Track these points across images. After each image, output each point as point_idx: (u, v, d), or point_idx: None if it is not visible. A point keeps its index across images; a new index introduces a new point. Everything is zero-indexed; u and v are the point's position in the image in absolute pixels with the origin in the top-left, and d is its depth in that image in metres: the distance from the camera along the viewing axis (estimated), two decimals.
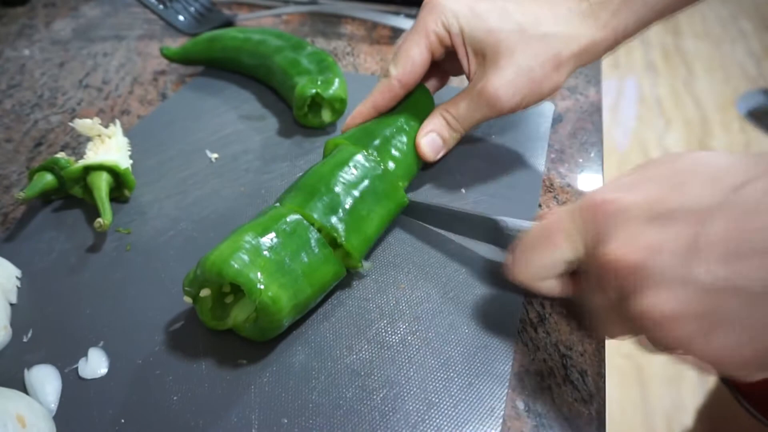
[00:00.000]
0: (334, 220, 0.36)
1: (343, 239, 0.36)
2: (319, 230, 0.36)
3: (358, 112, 0.46)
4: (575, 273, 0.31)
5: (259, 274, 0.32)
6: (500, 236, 0.37)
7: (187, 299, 0.34)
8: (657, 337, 0.25)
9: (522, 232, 0.34)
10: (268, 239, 0.33)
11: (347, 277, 0.39)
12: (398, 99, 0.46)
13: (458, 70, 0.50)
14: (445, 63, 0.48)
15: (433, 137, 0.45)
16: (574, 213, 0.29)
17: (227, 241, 0.33)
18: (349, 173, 0.39)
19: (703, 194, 0.24)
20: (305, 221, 0.35)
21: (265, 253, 0.33)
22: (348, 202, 0.37)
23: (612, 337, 0.30)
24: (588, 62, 0.44)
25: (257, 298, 0.31)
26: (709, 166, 0.25)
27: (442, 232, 0.42)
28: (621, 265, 0.25)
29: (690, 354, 0.24)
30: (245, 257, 0.32)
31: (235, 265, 0.31)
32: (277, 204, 0.37)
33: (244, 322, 0.34)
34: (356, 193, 0.38)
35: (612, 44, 0.43)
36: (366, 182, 0.39)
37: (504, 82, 0.41)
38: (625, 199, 0.26)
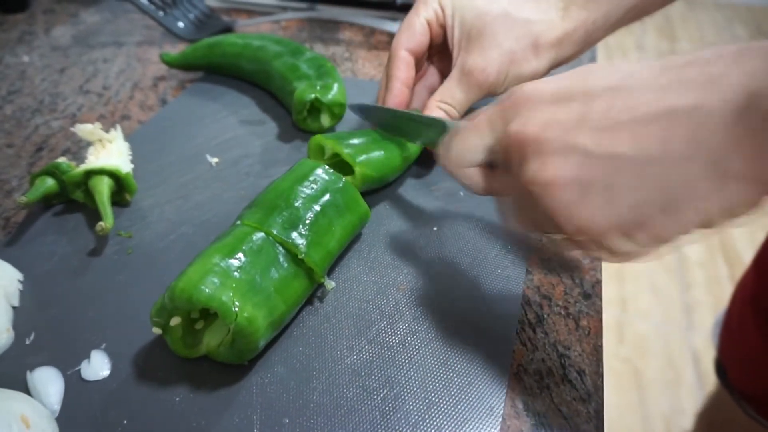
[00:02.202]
0: (294, 235, 0.35)
1: (304, 254, 0.35)
2: (283, 245, 0.35)
3: (397, 94, 0.48)
4: (494, 168, 0.33)
5: (231, 295, 0.31)
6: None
7: (156, 330, 0.33)
8: (542, 205, 0.27)
9: None
10: (237, 259, 0.33)
11: (346, 279, 0.39)
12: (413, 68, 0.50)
13: (444, 68, 0.53)
14: (432, 57, 0.52)
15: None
16: (498, 104, 0.31)
17: (194, 265, 0.32)
18: (309, 187, 0.38)
19: (600, 80, 0.27)
20: (270, 237, 0.35)
21: (235, 273, 0.32)
22: (308, 217, 0.37)
23: (517, 226, 0.32)
24: (565, 57, 0.47)
25: (232, 321, 0.31)
26: (619, 66, 0.28)
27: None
28: (519, 138, 0.28)
29: (568, 221, 0.27)
30: (215, 280, 0.31)
31: (206, 290, 0.30)
32: (238, 222, 0.36)
33: (218, 346, 0.33)
34: (317, 207, 0.37)
35: (583, 38, 0.46)
36: (326, 196, 0.38)
37: (489, 62, 0.45)
38: (538, 87, 0.29)
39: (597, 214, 0.26)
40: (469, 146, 0.32)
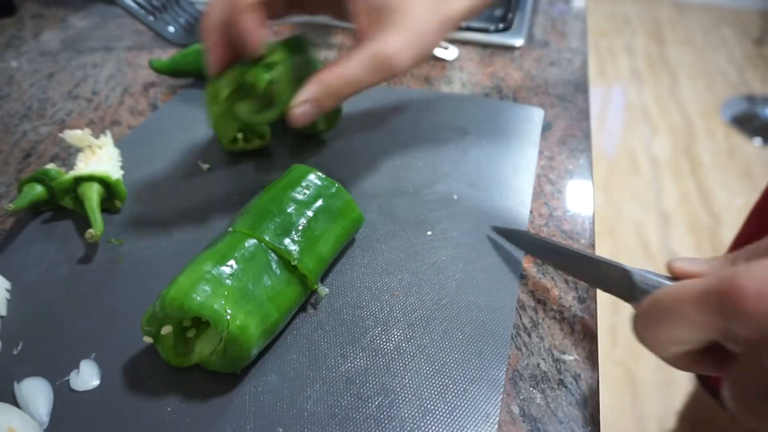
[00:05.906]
0: (286, 241, 0.35)
1: (296, 261, 0.35)
2: (275, 252, 0.35)
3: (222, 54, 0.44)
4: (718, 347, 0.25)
5: (223, 303, 0.31)
6: (632, 289, 0.32)
7: (147, 339, 0.32)
8: None
9: (654, 290, 0.28)
10: (228, 267, 0.32)
11: (340, 285, 0.39)
12: None
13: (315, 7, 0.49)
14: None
15: (308, 109, 0.41)
16: (717, 292, 0.22)
17: (185, 273, 0.32)
18: (302, 193, 0.38)
19: None
20: (263, 244, 0.35)
21: (227, 281, 0.32)
22: (301, 223, 0.36)
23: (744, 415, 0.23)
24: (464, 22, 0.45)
25: (225, 329, 0.30)
26: None
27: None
28: None
29: None
30: (207, 288, 0.31)
31: (198, 298, 0.30)
32: (230, 228, 0.36)
33: (210, 355, 0.33)
34: (309, 213, 0.37)
35: (488, 3, 0.45)
36: (319, 201, 0.38)
37: (402, 47, 0.41)
38: None
39: None
40: (676, 339, 0.24)
